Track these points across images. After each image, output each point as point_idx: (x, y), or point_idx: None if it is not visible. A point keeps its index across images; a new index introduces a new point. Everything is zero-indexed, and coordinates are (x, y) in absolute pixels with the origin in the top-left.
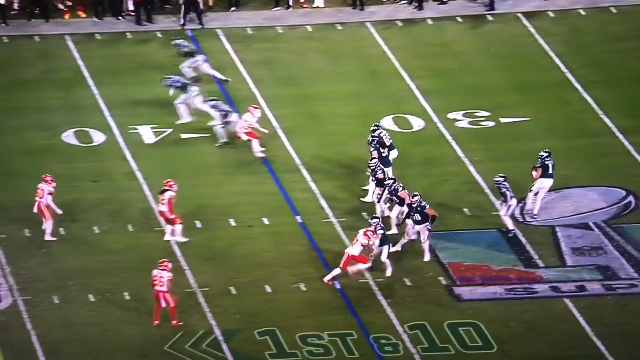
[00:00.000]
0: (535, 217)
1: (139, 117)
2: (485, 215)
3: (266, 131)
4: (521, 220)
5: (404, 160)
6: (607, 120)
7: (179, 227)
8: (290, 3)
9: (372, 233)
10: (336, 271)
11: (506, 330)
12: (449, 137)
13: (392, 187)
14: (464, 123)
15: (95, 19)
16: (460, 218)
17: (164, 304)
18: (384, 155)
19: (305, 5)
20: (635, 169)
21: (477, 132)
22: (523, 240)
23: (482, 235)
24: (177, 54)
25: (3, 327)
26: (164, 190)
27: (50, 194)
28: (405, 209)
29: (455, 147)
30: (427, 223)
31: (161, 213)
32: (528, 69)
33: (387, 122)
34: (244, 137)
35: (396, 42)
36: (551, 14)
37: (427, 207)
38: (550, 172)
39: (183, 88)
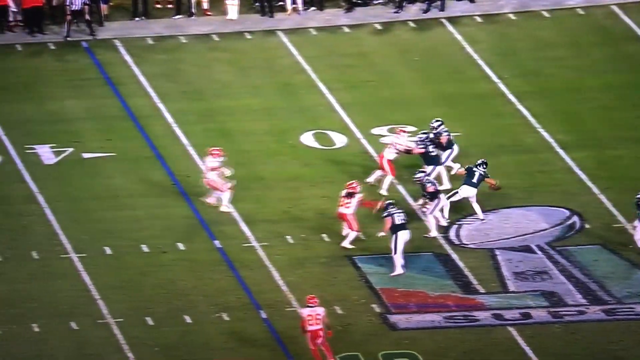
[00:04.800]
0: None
1: (36, 136)
2: (417, 237)
3: None
4: (457, 242)
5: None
6: (545, 134)
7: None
8: (193, 10)
9: None
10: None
11: None
12: (374, 154)
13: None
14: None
15: None
16: (388, 240)
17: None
18: (432, 154)
19: (209, 13)
20: (577, 187)
21: None
22: (460, 264)
23: (415, 259)
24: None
25: None
26: (350, 194)
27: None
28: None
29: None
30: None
31: (341, 215)
32: (455, 80)
33: (307, 139)
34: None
35: (310, 51)
36: (478, 19)
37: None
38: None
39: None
